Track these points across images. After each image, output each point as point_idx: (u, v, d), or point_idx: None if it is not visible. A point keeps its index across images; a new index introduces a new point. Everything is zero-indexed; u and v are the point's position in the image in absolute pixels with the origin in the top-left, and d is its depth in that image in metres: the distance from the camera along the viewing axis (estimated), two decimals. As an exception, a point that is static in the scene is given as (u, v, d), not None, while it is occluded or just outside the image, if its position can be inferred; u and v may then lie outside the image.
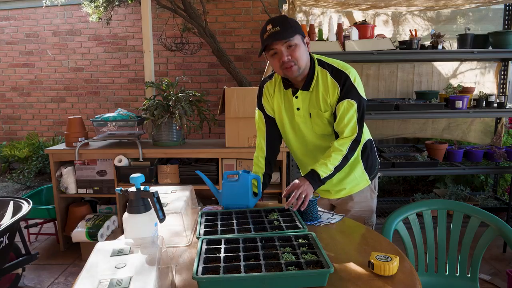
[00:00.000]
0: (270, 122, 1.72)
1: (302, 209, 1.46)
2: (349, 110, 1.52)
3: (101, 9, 3.87)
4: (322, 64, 1.57)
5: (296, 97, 1.60)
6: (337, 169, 1.52)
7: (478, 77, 3.53)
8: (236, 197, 1.61)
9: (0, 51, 5.40)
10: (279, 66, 1.50)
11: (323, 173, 1.49)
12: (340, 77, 1.52)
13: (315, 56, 1.60)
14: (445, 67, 3.55)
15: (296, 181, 1.50)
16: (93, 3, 3.83)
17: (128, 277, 0.89)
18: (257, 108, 1.75)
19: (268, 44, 1.46)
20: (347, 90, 1.51)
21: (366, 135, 1.73)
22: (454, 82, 3.50)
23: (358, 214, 1.75)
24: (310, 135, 1.66)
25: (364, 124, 1.73)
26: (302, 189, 1.45)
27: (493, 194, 3.64)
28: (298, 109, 1.62)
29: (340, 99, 1.53)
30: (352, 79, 1.52)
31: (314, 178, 1.49)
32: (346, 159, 1.53)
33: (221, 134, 4.80)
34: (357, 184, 1.73)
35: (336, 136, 1.59)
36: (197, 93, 3.11)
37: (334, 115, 1.57)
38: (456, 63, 3.53)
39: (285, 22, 1.45)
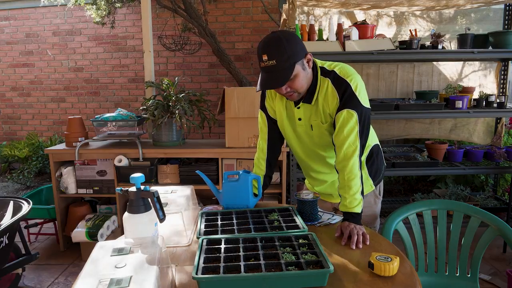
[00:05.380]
0: (272, 124, 1.68)
1: (367, 243, 1.34)
2: (348, 121, 1.42)
3: (105, 12, 3.88)
4: (324, 72, 1.47)
5: (298, 108, 1.53)
6: (362, 191, 1.45)
7: (479, 77, 3.53)
8: (236, 197, 1.61)
9: (0, 51, 5.40)
10: (279, 92, 1.46)
11: (358, 208, 1.42)
12: (340, 85, 1.43)
13: (318, 64, 1.49)
14: (446, 67, 3.55)
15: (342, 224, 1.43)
16: (95, 6, 3.84)
17: (128, 276, 0.89)
18: (260, 109, 1.70)
19: (264, 89, 1.40)
20: (347, 99, 1.42)
21: (373, 140, 1.68)
22: (455, 82, 3.50)
23: None
24: (312, 144, 1.62)
25: (372, 129, 1.68)
26: (352, 226, 1.38)
27: (493, 194, 3.64)
28: (300, 119, 1.55)
29: (340, 108, 1.43)
30: (353, 88, 1.42)
31: (354, 217, 1.41)
32: (361, 176, 1.46)
33: (221, 134, 4.81)
34: None
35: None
36: (197, 93, 3.11)
37: (334, 125, 1.48)
38: (457, 63, 3.53)
39: (282, 54, 1.33)
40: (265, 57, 1.35)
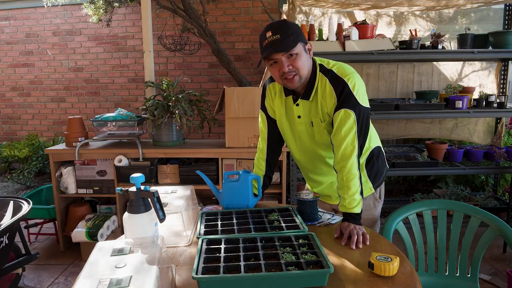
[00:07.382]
0: (272, 124, 1.68)
1: (367, 243, 1.34)
2: (346, 121, 1.41)
3: (101, 10, 3.87)
4: (323, 70, 1.47)
5: (297, 105, 1.53)
6: (361, 191, 1.45)
7: (479, 77, 3.53)
8: (237, 197, 1.61)
9: (0, 51, 5.40)
10: (279, 76, 1.43)
11: (357, 209, 1.41)
12: (338, 85, 1.43)
13: (317, 61, 1.51)
14: (446, 67, 3.55)
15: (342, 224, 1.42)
16: (92, 5, 3.83)
17: (128, 276, 0.89)
18: (260, 109, 1.70)
19: (268, 54, 1.38)
20: (344, 99, 1.41)
21: (374, 142, 1.67)
22: (455, 82, 3.50)
23: None
24: (311, 143, 1.60)
25: (374, 130, 1.68)
26: (352, 226, 1.37)
27: (493, 194, 3.64)
28: (299, 117, 1.55)
29: (337, 108, 1.43)
30: (351, 87, 1.41)
31: (354, 217, 1.41)
32: (360, 177, 1.46)
33: (221, 134, 4.80)
34: None
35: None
36: (197, 93, 3.11)
37: (332, 125, 1.47)
38: (457, 63, 3.54)
39: (286, 29, 1.35)
40: (268, 34, 1.36)
